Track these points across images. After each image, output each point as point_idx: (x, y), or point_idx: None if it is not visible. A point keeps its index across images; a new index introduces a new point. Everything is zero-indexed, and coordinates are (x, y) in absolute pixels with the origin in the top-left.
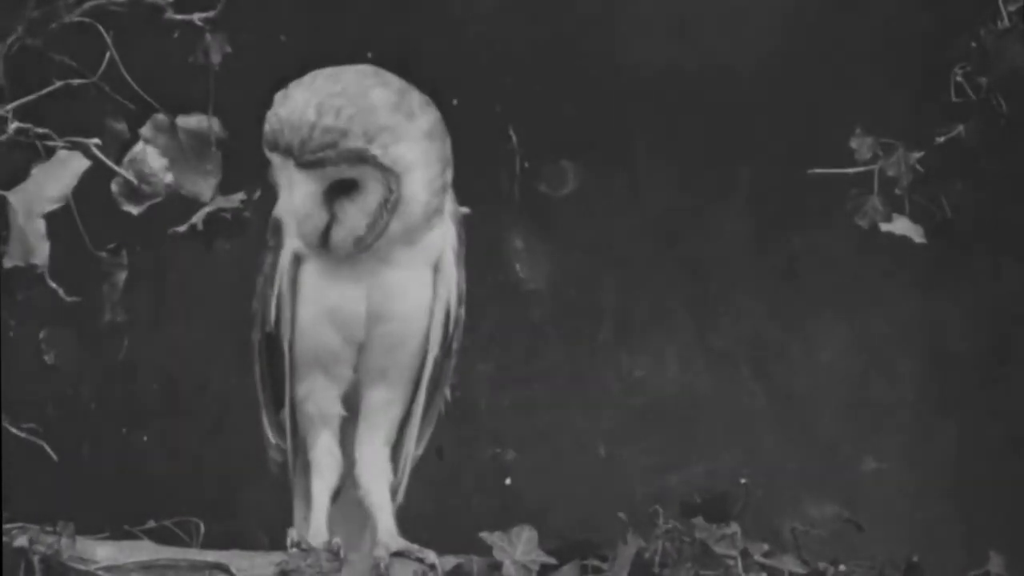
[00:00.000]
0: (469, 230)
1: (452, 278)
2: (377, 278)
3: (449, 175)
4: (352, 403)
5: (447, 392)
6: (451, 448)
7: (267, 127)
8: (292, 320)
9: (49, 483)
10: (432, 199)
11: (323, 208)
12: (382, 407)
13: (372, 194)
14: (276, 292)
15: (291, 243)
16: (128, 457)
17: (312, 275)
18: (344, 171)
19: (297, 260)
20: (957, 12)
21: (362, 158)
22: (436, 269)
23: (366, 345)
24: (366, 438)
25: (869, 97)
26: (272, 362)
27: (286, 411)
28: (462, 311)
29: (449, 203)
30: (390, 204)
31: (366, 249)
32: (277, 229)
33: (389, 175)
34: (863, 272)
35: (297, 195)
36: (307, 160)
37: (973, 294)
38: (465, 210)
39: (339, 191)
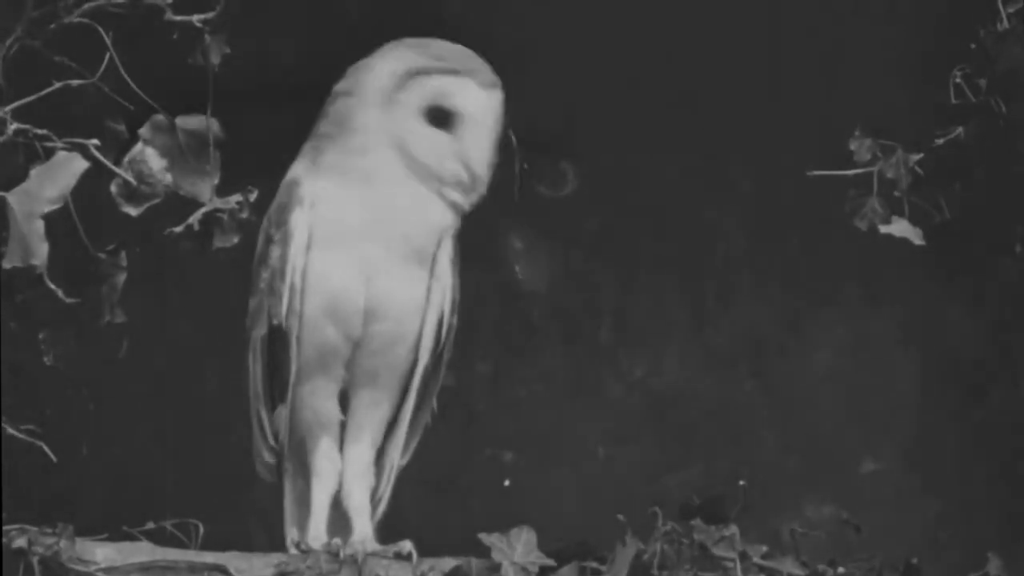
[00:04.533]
0: (462, 242)
1: (447, 285)
2: (376, 274)
3: None
4: (344, 406)
5: (434, 404)
6: (450, 449)
7: (429, 59)
8: (300, 314)
9: (48, 484)
10: None
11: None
12: (369, 407)
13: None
14: (288, 284)
15: (302, 234)
16: (127, 458)
17: (317, 268)
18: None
19: (306, 252)
20: (956, 14)
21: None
22: (432, 274)
23: (361, 343)
24: (353, 439)
25: (868, 99)
26: (273, 360)
27: (285, 410)
28: (454, 320)
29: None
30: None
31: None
32: (283, 222)
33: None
34: (862, 274)
35: (492, 124)
36: (487, 79)
37: (972, 296)
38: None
39: None
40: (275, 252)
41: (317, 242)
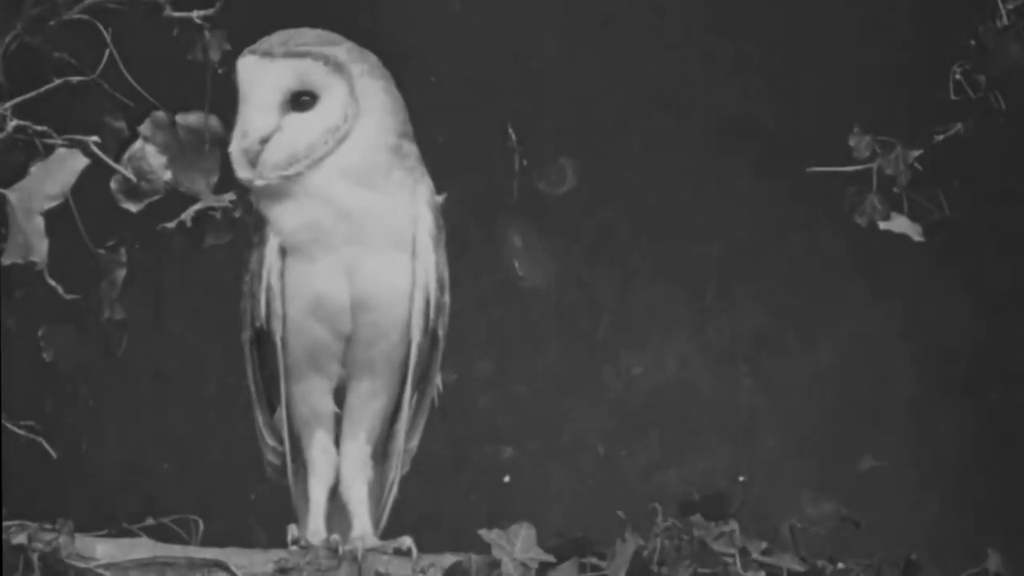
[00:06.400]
0: (445, 217)
1: (430, 263)
2: (356, 267)
3: (409, 149)
4: (341, 400)
5: (439, 383)
6: (450, 445)
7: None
8: (283, 316)
9: (48, 481)
10: (376, 156)
11: (276, 112)
12: (365, 400)
13: (326, 115)
14: (265, 287)
15: (275, 237)
16: (127, 454)
17: (296, 269)
18: (313, 77)
19: (283, 254)
20: (956, 10)
21: (339, 68)
22: (413, 254)
23: (353, 337)
24: (349, 434)
25: (867, 95)
26: (264, 362)
27: (282, 411)
28: (445, 298)
29: (425, 190)
30: (340, 132)
31: (288, 175)
32: (260, 225)
33: (350, 102)
34: (861, 270)
35: (257, 91)
36: (285, 51)
37: (971, 292)
38: (439, 198)
39: (293, 107)
40: (254, 255)
41: (293, 245)
